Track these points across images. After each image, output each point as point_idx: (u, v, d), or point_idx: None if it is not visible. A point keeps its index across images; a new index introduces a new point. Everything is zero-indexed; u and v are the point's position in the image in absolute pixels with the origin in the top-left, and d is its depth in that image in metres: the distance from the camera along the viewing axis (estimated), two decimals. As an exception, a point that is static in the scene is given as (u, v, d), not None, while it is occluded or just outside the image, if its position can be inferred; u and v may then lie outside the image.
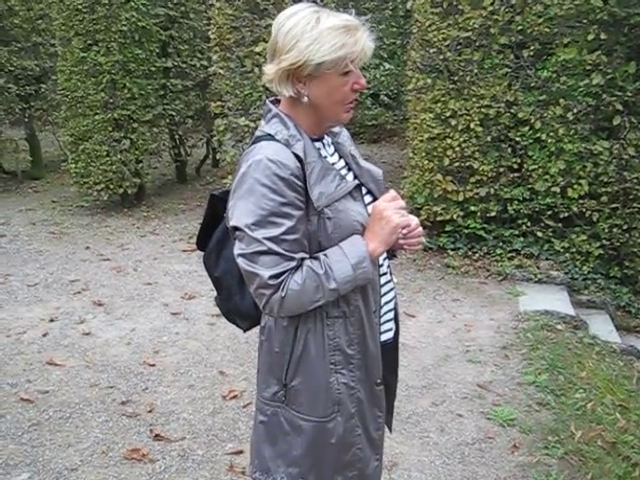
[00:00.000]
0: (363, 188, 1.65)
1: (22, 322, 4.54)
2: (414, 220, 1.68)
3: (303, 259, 1.50)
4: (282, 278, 1.46)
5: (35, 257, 6.07)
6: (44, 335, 4.31)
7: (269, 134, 1.55)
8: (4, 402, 3.47)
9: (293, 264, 1.47)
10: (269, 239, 1.45)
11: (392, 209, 1.54)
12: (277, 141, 1.52)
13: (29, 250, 6.30)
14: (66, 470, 2.90)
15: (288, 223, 1.47)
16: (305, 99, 1.53)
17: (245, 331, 1.86)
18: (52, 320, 4.57)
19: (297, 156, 1.50)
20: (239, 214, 1.48)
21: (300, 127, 1.57)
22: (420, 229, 1.68)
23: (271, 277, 1.46)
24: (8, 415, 3.34)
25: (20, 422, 3.28)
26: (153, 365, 3.91)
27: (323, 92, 1.53)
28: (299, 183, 1.49)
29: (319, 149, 1.61)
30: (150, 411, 3.40)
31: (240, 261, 1.50)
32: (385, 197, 1.58)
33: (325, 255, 1.51)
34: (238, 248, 1.50)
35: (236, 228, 1.50)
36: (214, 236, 1.77)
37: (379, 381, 1.69)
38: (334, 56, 1.47)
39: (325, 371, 1.59)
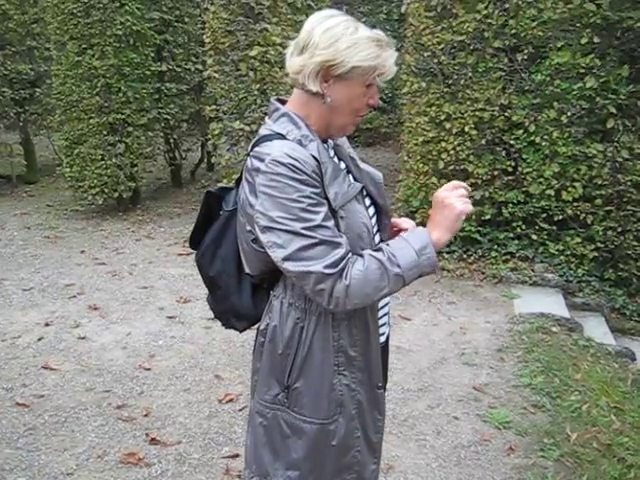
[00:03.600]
0: (363, 190, 1.65)
1: (17, 326, 4.53)
2: (411, 223, 1.73)
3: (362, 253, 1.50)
4: (340, 266, 1.44)
5: (30, 261, 6.05)
6: (39, 339, 4.30)
7: (279, 133, 1.54)
8: (-1, 407, 3.47)
9: (343, 250, 1.45)
10: (309, 229, 1.43)
11: (454, 196, 1.56)
12: (289, 141, 1.52)
13: (24, 254, 6.28)
14: (62, 474, 2.89)
15: (323, 209, 1.46)
16: (328, 99, 1.54)
17: (241, 332, 1.82)
18: (47, 324, 4.55)
19: (313, 156, 1.50)
20: (271, 212, 1.45)
21: (311, 127, 1.57)
22: None
23: (327, 266, 1.43)
24: (3, 420, 3.33)
25: (15, 427, 3.27)
26: (149, 369, 3.90)
27: (345, 97, 1.54)
28: (319, 180, 1.49)
29: (327, 149, 1.61)
30: (146, 415, 3.39)
31: (287, 265, 1.45)
32: (446, 186, 1.60)
33: (387, 244, 1.52)
34: (280, 253, 1.45)
35: (270, 228, 1.46)
36: (208, 235, 1.73)
37: (380, 384, 1.70)
38: (369, 64, 1.50)
39: (329, 372, 1.59)
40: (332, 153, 1.67)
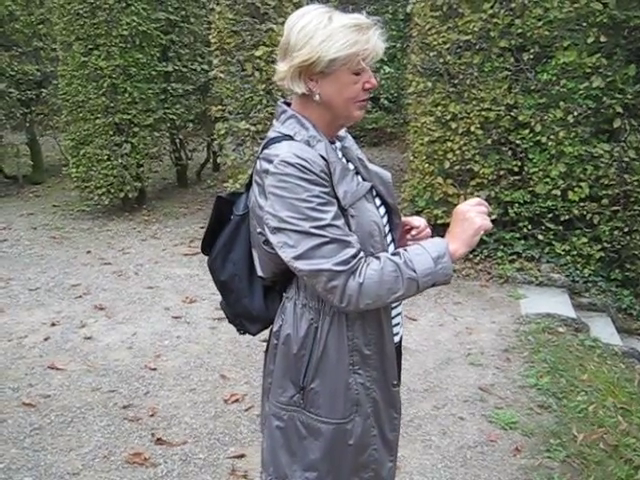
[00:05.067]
0: (373, 190, 1.65)
1: (23, 326, 4.54)
2: (422, 221, 1.76)
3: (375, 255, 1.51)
4: (352, 264, 1.44)
5: (36, 261, 6.07)
6: (45, 339, 4.32)
7: (287, 135, 1.54)
8: (6, 406, 3.47)
9: (354, 249, 1.46)
10: (319, 228, 1.43)
11: (475, 212, 1.57)
12: (297, 142, 1.52)
13: (30, 254, 6.30)
14: (68, 474, 2.90)
15: (332, 208, 1.47)
16: (317, 97, 1.53)
17: (255, 334, 1.81)
18: (53, 324, 4.57)
19: (321, 156, 1.50)
20: (281, 213, 1.45)
21: (317, 128, 1.57)
22: (428, 230, 1.75)
23: (337, 264, 1.43)
24: (10, 419, 3.34)
25: (22, 426, 3.28)
26: (154, 369, 3.91)
27: (335, 90, 1.53)
28: (328, 180, 1.49)
29: (335, 150, 1.62)
30: (152, 415, 3.40)
31: (298, 264, 1.46)
32: (468, 201, 1.62)
33: (405, 250, 1.52)
34: (290, 253, 1.46)
35: (280, 229, 1.47)
36: (220, 239, 1.72)
37: (395, 382, 1.71)
38: (346, 52, 1.48)
39: (344, 372, 1.59)
40: (340, 154, 1.67)
